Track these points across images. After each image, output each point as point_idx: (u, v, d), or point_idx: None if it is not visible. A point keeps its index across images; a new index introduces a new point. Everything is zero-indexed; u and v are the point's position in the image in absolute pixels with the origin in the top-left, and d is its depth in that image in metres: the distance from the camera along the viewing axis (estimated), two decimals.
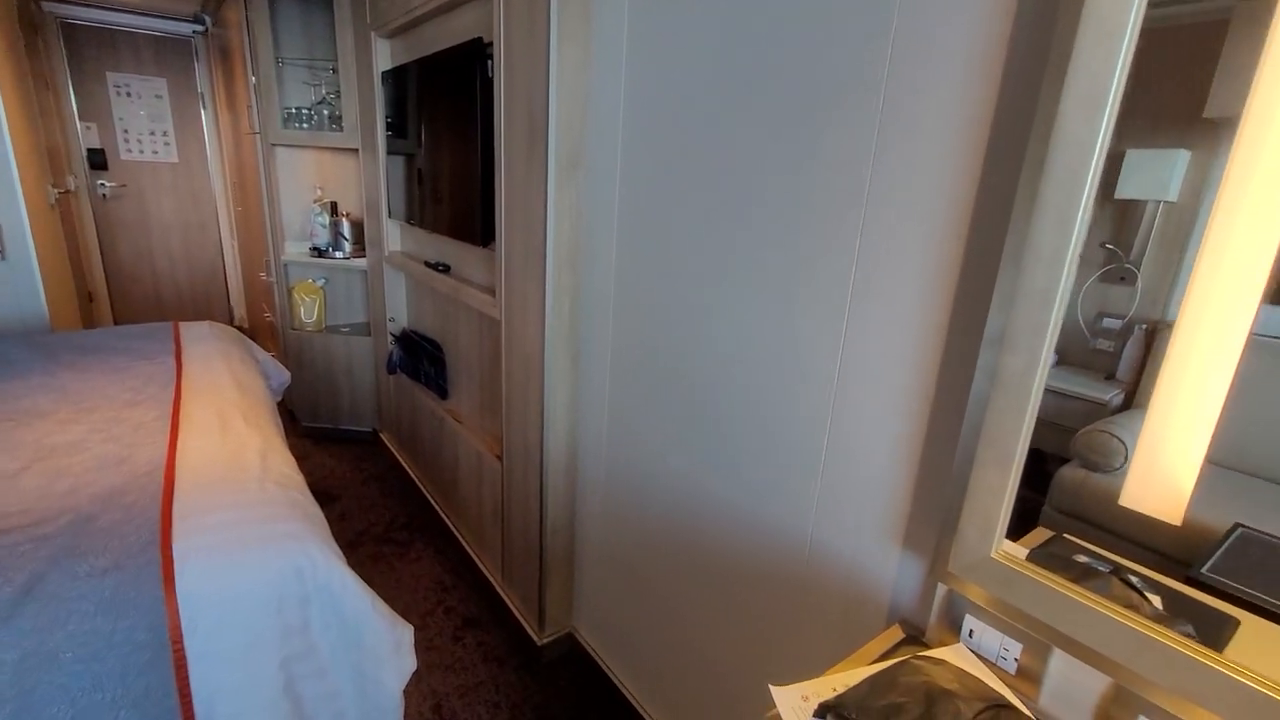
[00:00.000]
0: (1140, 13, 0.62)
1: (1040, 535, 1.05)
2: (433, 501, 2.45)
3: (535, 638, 1.77)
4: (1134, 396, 1.87)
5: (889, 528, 0.93)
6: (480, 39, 1.68)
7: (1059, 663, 0.74)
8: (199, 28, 4.08)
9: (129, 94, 4.02)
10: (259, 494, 1.26)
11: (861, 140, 0.89)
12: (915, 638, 0.87)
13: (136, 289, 4.31)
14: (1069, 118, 0.65)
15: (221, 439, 1.48)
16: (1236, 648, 0.78)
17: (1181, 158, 1.82)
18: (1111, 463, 1.70)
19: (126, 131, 4.05)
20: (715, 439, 1.22)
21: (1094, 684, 0.71)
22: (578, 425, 1.63)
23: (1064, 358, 2.23)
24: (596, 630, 1.74)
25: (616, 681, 1.65)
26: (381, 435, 3.00)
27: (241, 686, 1.08)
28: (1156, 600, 0.88)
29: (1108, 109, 0.63)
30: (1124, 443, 1.70)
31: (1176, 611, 0.85)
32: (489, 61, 1.62)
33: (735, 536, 1.21)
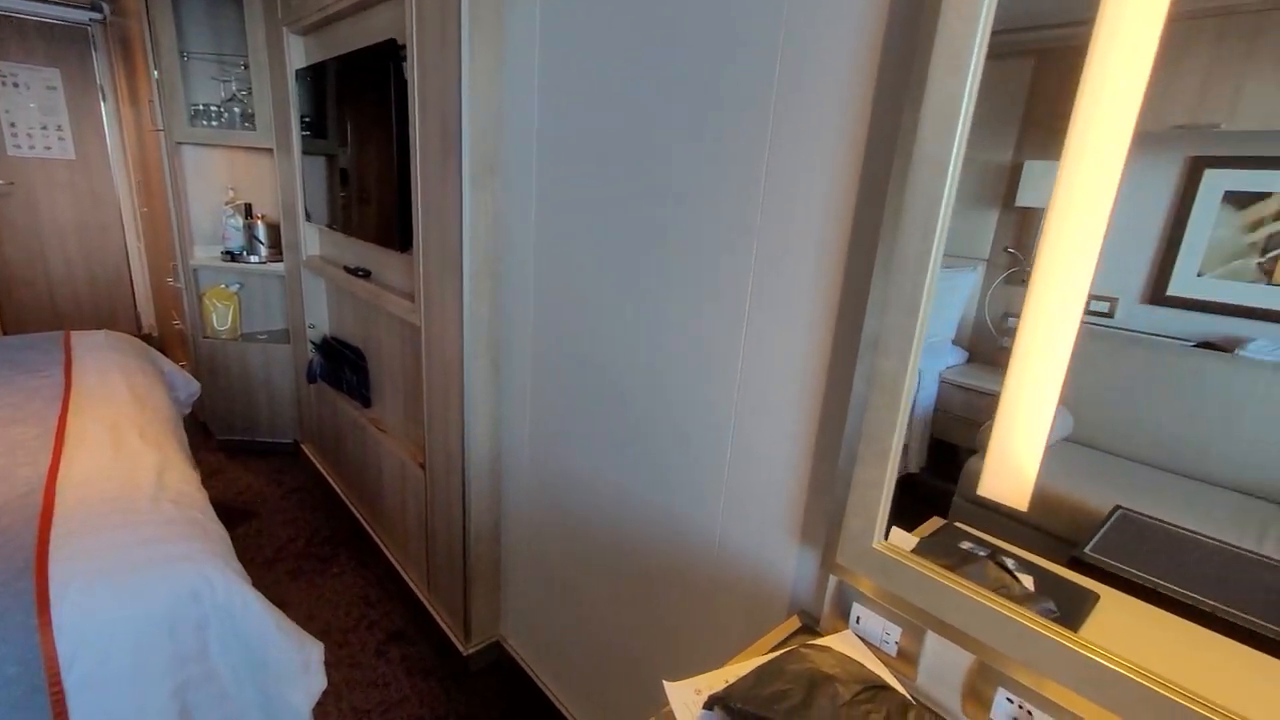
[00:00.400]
0: (984, 40, 0.67)
1: (934, 524, 1.12)
2: (357, 514, 2.37)
3: (461, 648, 1.75)
4: None
5: (788, 523, 0.97)
6: (394, 40, 1.65)
7: (932, 643, 0.79)
8: (96, 15, 3.82)
9: (16, 84, 3.72)
10: (152, 514, 1.20)
11: (755, 156, 0.93)
12: (810, 627, 0.92)
13: (29, 296, 3.99)
14: (926, 135, 0.70)
15: (113, 456, 1.39)
16: (1094, 620, 0.86)
17: None
18: None
19: (14, 125, 3.74)
20: (633, 442, 1.24)
21: (961, 661, 0.77)
22: (500, 431, 1.62)
23: (974, 355, 2.37)
24: (524, 636, 1.73)
25: (544, 687, 1.65)
26: (303, 447, 2.88)
27: (129, 717, 1.02)
28: (1028, 580, 0.96)
29: (959, 126, 0.68)
30: None
31: (1044, 590, 0.92)
32: (404, 64, 1.59)
33: (653, 536, 1.23)
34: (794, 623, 0.93)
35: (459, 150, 1.39)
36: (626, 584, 1.32)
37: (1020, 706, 0.73)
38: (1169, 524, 1.46)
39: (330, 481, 2.60)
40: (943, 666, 0.79)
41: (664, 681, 0.73)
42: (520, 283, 1.48)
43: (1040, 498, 1.70)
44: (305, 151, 2.32)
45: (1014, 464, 0.71)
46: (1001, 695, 0.74)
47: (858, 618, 0.87)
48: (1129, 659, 0.66)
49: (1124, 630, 0.81)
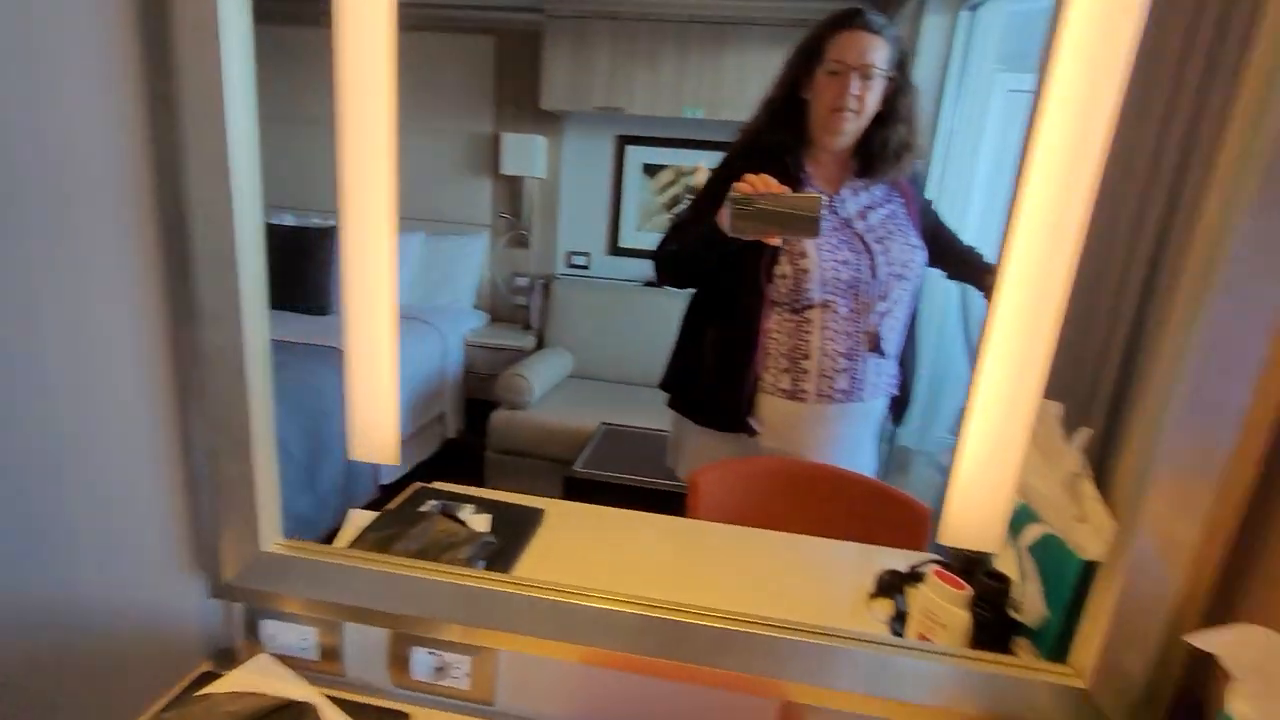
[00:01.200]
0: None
1: (413, 489, 1.07)
2: None
3: None
4: (543, 339, 2.18)
5: (177, 557, 0.78)
6: None
7: (350, 633, 0.74)
8: None
9: None
10: None
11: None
12: (223, 667, 0.76)
13: None
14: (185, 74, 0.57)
15: None
16: (539, 536, 0.93)
17: (540, 142, 2.14)
18: (524, 399, 1.96)
19: None
20: None
21: (380, 637, 0.73)
22: None
23: (495, 315, 2.44)
24: None
25: None
26: None
27: None
28: (482, 521, 0.99)
29: (226, 92, 0.57)
30: (529, 380, 1.98)
31: (497, 525, 0.96)
32: None
33: (20, 634, 0.86)
34: (200, 668, 0.75)
35: None
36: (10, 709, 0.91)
37: (436, 655, 0.73)
38: (634, 427, 1.80)
39: None
40: (365, 649, 0.74)
41: None
42: None
43: (548, 432, 1.89)
44: None
45: (377, 425, 0.68)
46: (418, 653, 0.73)
47: (271, 635, 0.75)
48: (526, 576, 0.70)
49: (560, 534, 0.90)
